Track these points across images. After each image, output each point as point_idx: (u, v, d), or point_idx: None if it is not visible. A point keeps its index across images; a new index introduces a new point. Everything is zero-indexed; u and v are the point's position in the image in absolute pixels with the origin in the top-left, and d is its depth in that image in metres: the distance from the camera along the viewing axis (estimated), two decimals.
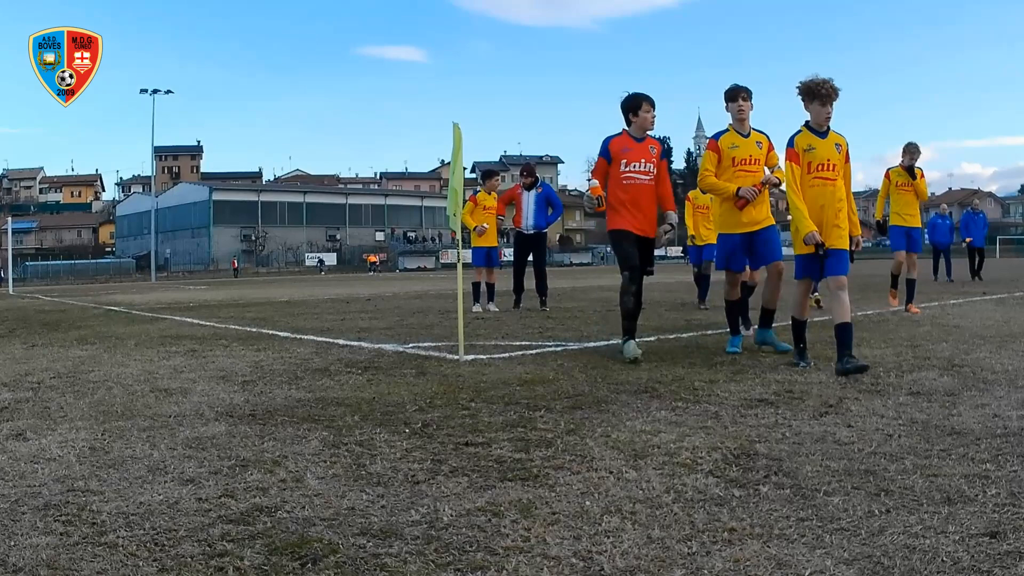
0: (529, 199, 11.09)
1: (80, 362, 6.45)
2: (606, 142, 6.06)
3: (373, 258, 67.99)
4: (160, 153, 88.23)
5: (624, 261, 5.98)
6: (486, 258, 11.30)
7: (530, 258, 11.33)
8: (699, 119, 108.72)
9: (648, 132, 6.09)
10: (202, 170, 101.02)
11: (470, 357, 6.00)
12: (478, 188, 11.17)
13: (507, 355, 6.16)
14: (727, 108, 6.08)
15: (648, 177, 5.98)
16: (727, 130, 6.08)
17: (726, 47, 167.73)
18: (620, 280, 6.04)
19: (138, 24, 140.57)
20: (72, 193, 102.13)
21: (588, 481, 2.82)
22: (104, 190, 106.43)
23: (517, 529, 2.37)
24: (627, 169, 5.96)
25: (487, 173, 12.07)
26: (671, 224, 6.13)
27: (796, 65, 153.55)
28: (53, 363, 6.43)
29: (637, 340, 5.94)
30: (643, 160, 5.97)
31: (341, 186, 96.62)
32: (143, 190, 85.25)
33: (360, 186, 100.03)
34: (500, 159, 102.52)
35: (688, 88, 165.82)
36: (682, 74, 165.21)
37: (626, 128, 6.06)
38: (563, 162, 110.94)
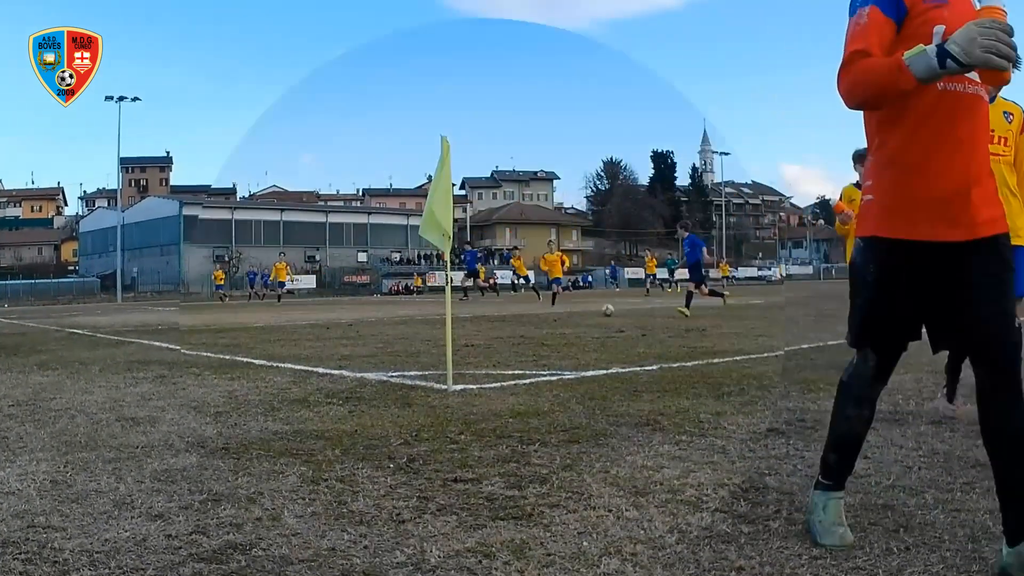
0: None
1: (41, 389, 6.42)
2: None
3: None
4: (127, 165, 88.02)
5: (861, 327, 2.60)
6: None
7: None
8: (704, 131, 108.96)
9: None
10: (172, 183, 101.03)
11: (459, 387, 5.99)
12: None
13: (499, 385, 6.16)
14: None
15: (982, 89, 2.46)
16: None
17: (734, 53, 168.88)
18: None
19: (105, 26, 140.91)
20: (32, 208, 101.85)
21: (586, 520, 2.82)
22: (67, 204, 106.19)
23: (510, 571, 2.36)
24: None
25: None
26: None
27: (808, 72, 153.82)
28: (12, 390, 6.39)
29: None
30: None
31: (321, 203, 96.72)
32: (108, 204, 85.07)
33: (341, 203, 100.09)
34: (491, 175, 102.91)
35: (693, 97, 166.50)
36: (687, 82, 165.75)
37: None
38: (559, 178, 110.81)
